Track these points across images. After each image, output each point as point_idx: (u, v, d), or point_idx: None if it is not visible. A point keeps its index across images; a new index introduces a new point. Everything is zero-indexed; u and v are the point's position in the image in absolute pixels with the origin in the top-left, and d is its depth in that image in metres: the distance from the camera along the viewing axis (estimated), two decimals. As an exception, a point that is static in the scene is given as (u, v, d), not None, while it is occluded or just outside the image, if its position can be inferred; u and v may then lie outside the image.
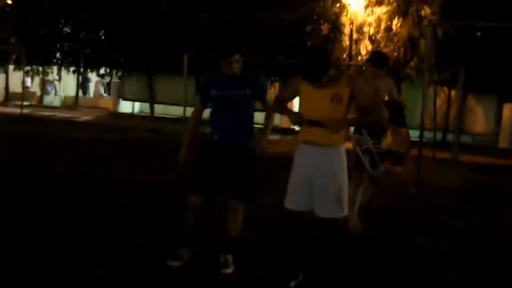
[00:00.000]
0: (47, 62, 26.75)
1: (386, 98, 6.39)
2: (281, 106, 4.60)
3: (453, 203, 8.43)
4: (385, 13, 19.36)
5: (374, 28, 19.75)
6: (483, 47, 16.95)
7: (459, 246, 6.11)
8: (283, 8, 19.44)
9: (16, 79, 27.04)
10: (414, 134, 7.71)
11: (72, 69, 26.77)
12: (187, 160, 4.83)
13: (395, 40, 19.10)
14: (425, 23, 16.89)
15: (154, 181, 8.37)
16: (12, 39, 26.05)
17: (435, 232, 6.53)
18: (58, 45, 25.91)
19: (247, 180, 4.73)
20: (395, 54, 19.00)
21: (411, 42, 18.57)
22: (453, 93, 18.88)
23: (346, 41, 20.21)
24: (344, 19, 20.06)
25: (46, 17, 24.95)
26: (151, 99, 24.50)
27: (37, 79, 30.29)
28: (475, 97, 19.43)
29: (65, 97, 30.18)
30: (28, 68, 25.92)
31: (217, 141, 4.74)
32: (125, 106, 27.23)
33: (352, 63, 19.69)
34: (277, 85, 22.14)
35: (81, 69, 27.05)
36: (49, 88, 30.94)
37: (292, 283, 4.41)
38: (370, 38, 19.92)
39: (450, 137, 17.51)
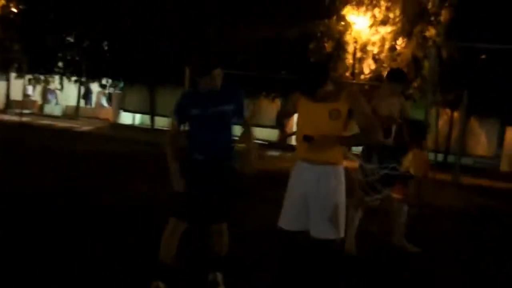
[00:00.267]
0: (49, 71, 26.72)
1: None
2: (280, 120, 4.48)
3: (453, 225, 8.30)
4: (390, 32, 19.37)
5: (378, 48, 19.75)
6: (486, 69, 16.94)
7: (459, 270, 5.97)
8: (288, 25, 19.42)
9: (17, 87, 27.00)
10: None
11: (74, 78, 26.73)
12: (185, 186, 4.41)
13: (399, 60, 19.06)
14: (430, 44, 16.89)
15: (148, 195, 8.28)
16: (15, 46, 26.03)
17: (434, 255, 6.39)
18: (61, 55, 25.90)
19: (229, 200, 4.45)
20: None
21: (415, 63, 18.54)
22: (455, 114, 18.79)
23: (349, 60, 20.19)
24: (348, 37, 20.04)
25: (50, 26, 24.96)
26: (152, 111, 24.45)
27: (38, 88, 30.28)
28: (478, 119, 19.35)
29: (66, 107, 30.14)
30: (30, 76, 25.89)
31: (201, 162, 4.35)
32: (126, 118, 27.17)
33: (355, 81, 19.66)
34: (278, 101, 22.10)
35: (83, 79, 26.98)
36: (50, 97, 30.94)
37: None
38: (373, 57, 19.90)
39: (451, 158, 17.40)
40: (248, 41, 19.92)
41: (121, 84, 25.94)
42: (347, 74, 20.06)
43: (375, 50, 19.83)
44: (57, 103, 31.19)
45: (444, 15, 18.12)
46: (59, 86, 30.17)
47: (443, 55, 16.82)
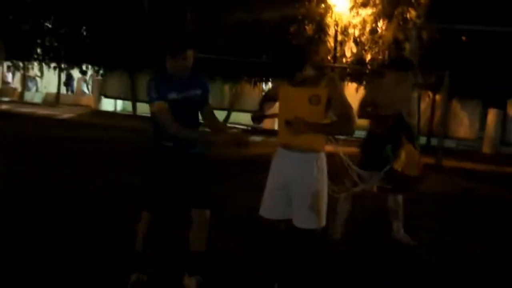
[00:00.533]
0: (27, 57, 26.36)
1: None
2: (261, 104, 4.40)
3: (437, 209, 8.30)
4: (370, 15, 19.30)
5: (359, 30, 19.69)
6: (468, 51, 16.94)
7: (443, 252, 6.01)
8: (267, 8, 19.26)
9: (-4, 74, 26.73)
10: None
11: (53, 65, 26.39)
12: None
13: (380, 43, 19.04)
14: (410, 26, 16.83)
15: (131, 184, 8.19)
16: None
17: (417, 238, 6.37)
18: (39, 41, 25.55)
19: (206, 187, 4.33)
20: (380, 57, 18.94)
21: (396, 45, 18.51)
22: (437, 97, 18.80)
23: (331, 43, 20.11)
24: (329, 20, 19.95)
25: (27, 11, 24.59)
26: (134, 97, 24.26)
27: (18, 75, 29.92)
28: (460, 101, 19.38)
29: (47, 94, 29.79)
30: (8, 63, 25.54)
31: (170, 148, 4.21)
32: (107, 104, 26.92)
33: (336, 65, 19.61)
34: (260, 85, 22.00)
35: (62, 66, 26.64)
36: (30, 84, 30.57)
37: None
38: (355, 40, 19.85)
39: (434, 141, 17.43)
40: (227, 25, 19.73)
41: (101, 70, 25.62)
42: (329, 57, 19.99)
43: (356, 32, 19.78)
44: (37, 90, 30.83)
45: (424, -4, 18.09)
46: (39, 73, 29.83)
47: (424, 37, 16.80)
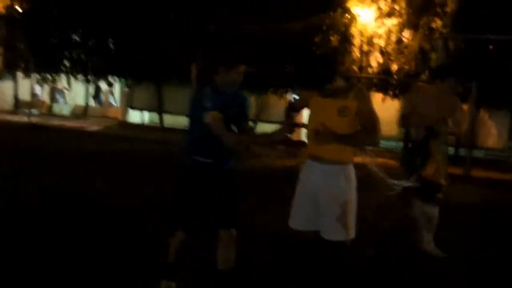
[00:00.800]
0: (56, 70, 26.66)
1: None
2: (287, 112, 4.40)
3: (465, 219, 8.21)
4: (396, 25, 19.21)
5: (385, 40, 19.61)
6: (495, 60, 16.78)
7: (470, 265, 5.95)
8: (292, 18, 19.29)
9: (25, 87, 27.00)
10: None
11: (80, 77, 26.64)
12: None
13: (406, 53, 18.94)
14: (436, 35, 16.74)
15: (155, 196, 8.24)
16: (21, 46, 26.02)
17: (445, 251, 6.32)
18: (67, 53, 25.85)
19: (235, 206, 4.35)
20: (406, 66, 18.85)
21: (422, 55, 18.40)
22: (465, 107, 18.64)
23: (356, 53, 20.04)
24: (354, 30, 19.90)
25: (55, 25, 24.91)
26: (160, 109, 24.39)
27: (46, 88, 30.24)
28: (488, 111, 19.19)
29: (75, 106, 30.10)
30: (37, 76, 25.87)
31: (208, 165, 4.18)
32: (135, 116, 27.08)
33: (362, 75, 19.54)
34: (286, 96, 21.98)
35: (89, 78, 26.88)
36: (58, 96, 30.89)
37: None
38: (380, 50, 19.77)
39: (462, 151, 17.27)
40: (252, 36, 19.76)
41: (128, 82, 25.81)
42: (354, 67, 19.94)
43: (382, 43, 19.70)
44: (65, 103, 31.14)
45: (450, 6, 17.95)
46: (67, 86, 30.14)
47: (450, 46, 16.69)
